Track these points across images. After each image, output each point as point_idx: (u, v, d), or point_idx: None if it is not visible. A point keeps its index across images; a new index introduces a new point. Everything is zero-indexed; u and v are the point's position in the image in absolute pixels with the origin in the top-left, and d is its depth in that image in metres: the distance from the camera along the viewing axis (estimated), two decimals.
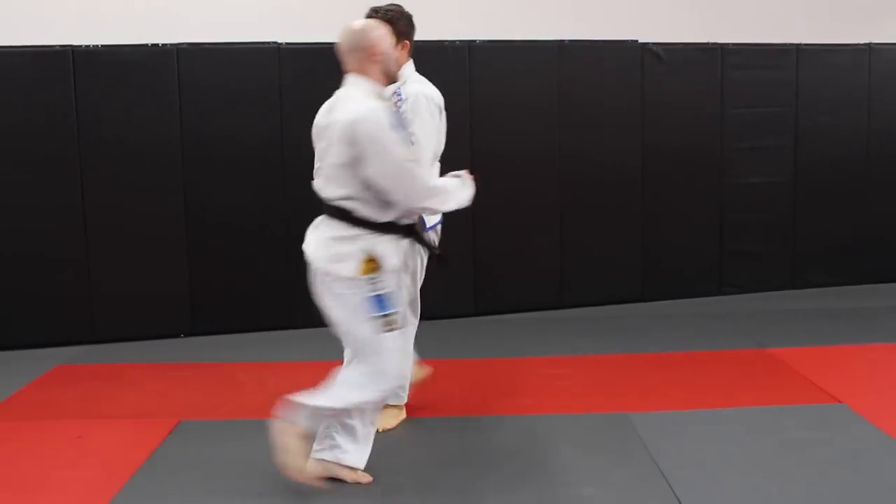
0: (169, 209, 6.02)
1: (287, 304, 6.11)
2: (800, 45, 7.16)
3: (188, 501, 3.49)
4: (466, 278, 6.53)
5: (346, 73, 3.42)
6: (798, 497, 3.43)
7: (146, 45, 5.94)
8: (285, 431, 3.41)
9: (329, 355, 4.14)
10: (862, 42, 7.32)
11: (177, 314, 6.11)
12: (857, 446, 3.90)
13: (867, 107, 7.34)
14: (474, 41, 6.39)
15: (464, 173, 3.54)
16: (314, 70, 6.10)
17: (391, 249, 3.33)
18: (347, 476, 3.56)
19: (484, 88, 6.42)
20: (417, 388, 4.36)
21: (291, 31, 6.30)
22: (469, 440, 4.06)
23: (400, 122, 3.36)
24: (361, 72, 3.38)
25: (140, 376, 5.21)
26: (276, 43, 6.11)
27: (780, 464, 3.63)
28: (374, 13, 3.87)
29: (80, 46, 5.83)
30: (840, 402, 4.46)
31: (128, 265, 5.99)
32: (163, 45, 5.94)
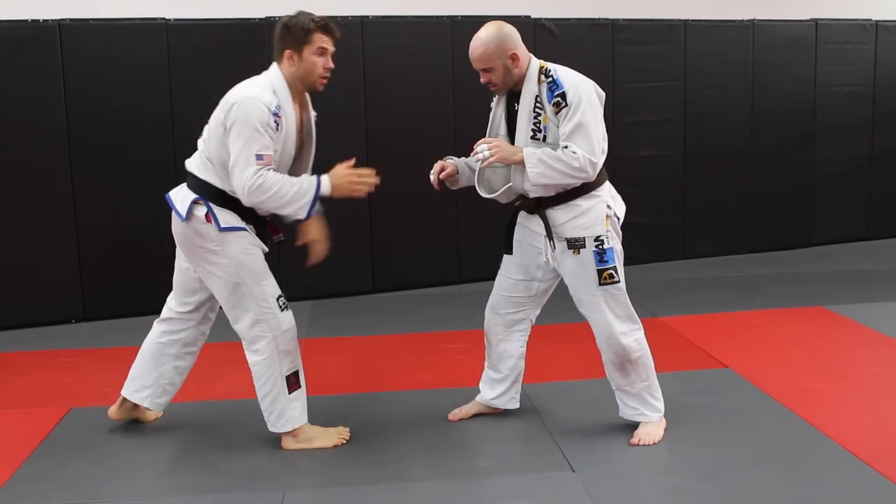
0: (56, 190, 5.82)
1: None
2: (687, 20, 7.34)
3: (77, 492, 3.40)
4: (364, 255, 6.53)
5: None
6: (686, 458, 3.56)
7: (26, 21, 5.73)
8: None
9: (230, 336, 4.10)
10: (746, 18, 7.55)
11: (68, 299, 5.93)
12: (742, 408, 4.05)
13: (752, 81, 7.59)
14: (367, 17, 6.36)
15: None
16: (203, 46, 6.00)
17: None
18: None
19: (377, 64, 6.39)
20: (314, 367, 4.34)
21: (180, 7, 6.16)
22: (364, 416, 4.07)
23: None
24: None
25: (29, 364, 5.06)
26: (163, 19, 5.96)
27: (670, 428, 3.74)
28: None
29: None
30: (727, 366, 4.63)
31: (14, 249, 5.78)
32: (44, 20, 5.73)
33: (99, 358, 5.11)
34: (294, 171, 3.64)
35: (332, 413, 4.02)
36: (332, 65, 3.60)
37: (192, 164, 3.63)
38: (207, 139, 3.56)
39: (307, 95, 3.70)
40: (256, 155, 3.38)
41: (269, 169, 3.40)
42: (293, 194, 3.43)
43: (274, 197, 3.41)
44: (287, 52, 3.53)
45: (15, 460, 3.63)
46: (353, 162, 3.57)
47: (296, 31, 3.52)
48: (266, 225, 3.72)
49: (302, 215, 3.49)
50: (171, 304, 3.88)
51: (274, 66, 3.58)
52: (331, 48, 3.58)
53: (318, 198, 3.48)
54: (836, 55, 7.84)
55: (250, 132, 3.38)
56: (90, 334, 5.69)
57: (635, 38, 7.13)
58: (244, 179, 3.38)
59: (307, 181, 3.49)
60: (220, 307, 3.76)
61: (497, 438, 3.81)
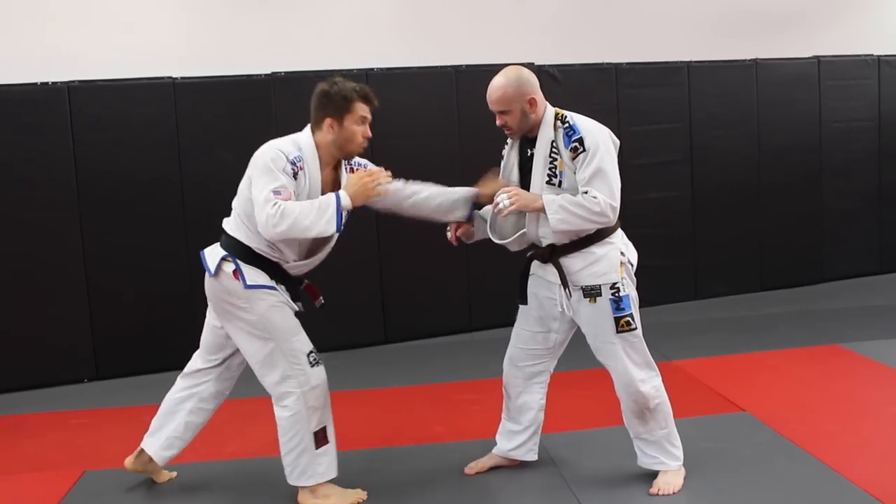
0: (67, 250, 5.85)
1: (193, 343, 5.94)
2: (690, 62, 7.38)
3: None
4: (375, 306, 6.51)
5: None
6: None
7: (35, 84, 5.79)
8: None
9: (242, 392, 4.08)
10: (749, 58, 7.58)
11: (79, 359, 5.92)
12: (762, 453, 4.00)
13: (757, 119, 7.61)
14: (372, 69, 6.40)
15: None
16: (210, 104, 6.04)
17: None
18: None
19: (383, 115, 6.38)
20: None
21: (186, 66, 6.21)
22: (379, 472, 4.04)
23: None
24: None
25: (41, 426, 5.04)
26: (170, 78, 6.01)
27: (689, 476, 3.69)
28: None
29: None
30: (744, 410, 4.58)
31: (25, 310, 5.79)
32: (53, 83, 5.80)
33: (111, 418, 5.08)
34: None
35: (347, 470, 3.96)
36: (370, 133, 3.62)
37: (227, 223, 3.66)
38: (238, 196, 3.60)
39: (343, 162, 3.69)
40: (274, 191, 3.37)
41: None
42: (315, 212, 3.39)
43: (297, 221, 3.36)
44: (328, 121, 3.53)
45: None
46: (361, 171, 3.62)
47: (337, 100, 3.53)
48: (303, 286, 3.74)
49: (332, 230, 3.43)
50: (195, 360, 3.94)
51: (307, 130, 3.59)
52: (369, 116, 3.60)
53: (341, 209, 3.43)
54: (840, 91, 7.86)
55: (266, 173, 3.40)
56: (102, 394, 5.67)
57: (639, 81, 7.17)
58: (264, 214, 3.35)
59: (325, 197, 3.46)
60: (245, 365, 3.78)
61: (515, 492, 3.77)
